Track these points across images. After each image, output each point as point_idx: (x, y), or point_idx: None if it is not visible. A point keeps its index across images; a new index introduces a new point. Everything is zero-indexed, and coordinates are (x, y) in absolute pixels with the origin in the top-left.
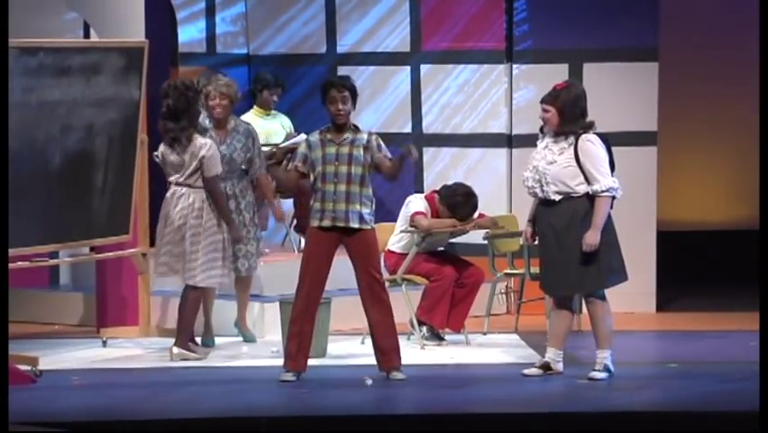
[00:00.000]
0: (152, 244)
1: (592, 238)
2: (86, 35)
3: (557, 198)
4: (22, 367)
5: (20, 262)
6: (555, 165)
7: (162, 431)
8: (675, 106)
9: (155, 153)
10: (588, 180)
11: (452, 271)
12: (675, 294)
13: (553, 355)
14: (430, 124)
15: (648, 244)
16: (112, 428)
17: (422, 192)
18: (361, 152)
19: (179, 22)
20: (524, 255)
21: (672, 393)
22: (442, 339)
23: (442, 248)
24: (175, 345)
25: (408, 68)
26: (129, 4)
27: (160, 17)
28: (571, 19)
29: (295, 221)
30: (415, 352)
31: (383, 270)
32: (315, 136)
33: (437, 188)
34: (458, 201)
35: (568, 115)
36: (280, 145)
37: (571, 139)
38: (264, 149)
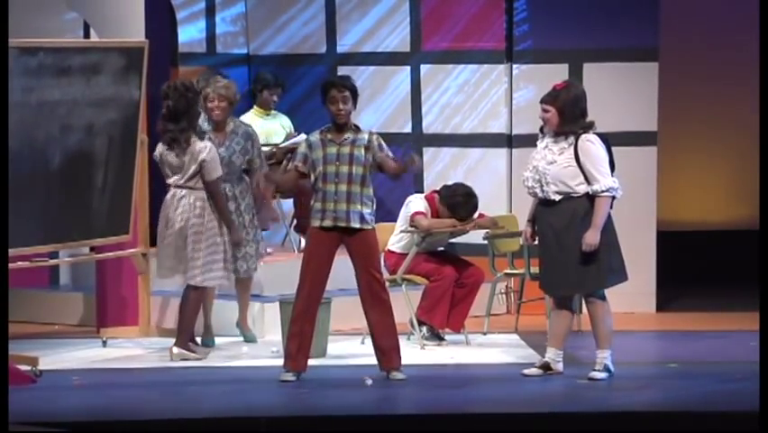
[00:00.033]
0: (153, 243)
1: (592, 238)
2: (86, 35)
3: (557, 197)
4: (22, 367)
5: (20, 262)
6: (555, 165)
7: (162, 431)
8: (675, 106)
9: (155, 154)
10: (588, 180)
11: (452, 271)
12: (675, 294)
13: (553, 355)
14: (430, 124)
15: (648, 244)
16: (112, 428)
17: (422, 192)
18: (362, 152)
19: (179, 22)
20: (524, 255)
21: (672, 393)
22: (442, 339)
23: (442, 248)
24: (175, 345)
25: (408, 68)
26: (129, 4)
27: (160, 17)
28: (571, 19)
29: (295, 221)
30: (415, 352)
31: (383, 270)
32: (315, 136)
33: (437, 189)
34: (458, 201)
35: (568, 115)
36: (280, 145)
37: (571, 139)
38: (264, 149)
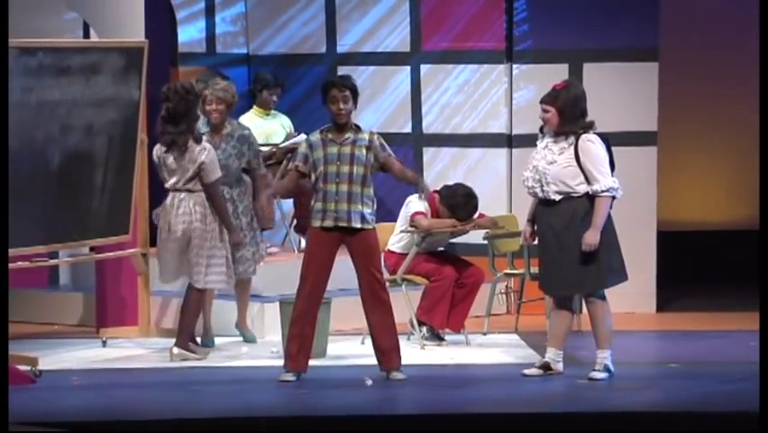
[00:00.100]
0: (152, 244)
1: (592, 238)
2: (86, 35)
3: (557, 197)
4: (22, 367)
5: (20, 262)
6: (555, 165)
7: (162, 431)
8: (675, 106)
9: (153, 156)
10: (588, 180)
11: (452, 272)
12: (675, 294)
13: (553, 355)
14: (430, 124)
15: (648, 244)
16: (112, 429)
17: None
18: (363, 152)
19: (179, 22)
20: (524, 255)
21: (673, 394)
22: (442, 339)
23: (442, 248)
24: (175, 345)
25: (408, 68)
26: (128, 3)
27: (160, 17)
28: (571, 19)
29: (295, 221)
30: (415, 352)
31: (383, 270)
32: (315, 136)
33: (437, 189)
34: (458, 202)
35: (568, 114)
36: (280, 145)
37: (572, 139)
38: (264, 149)
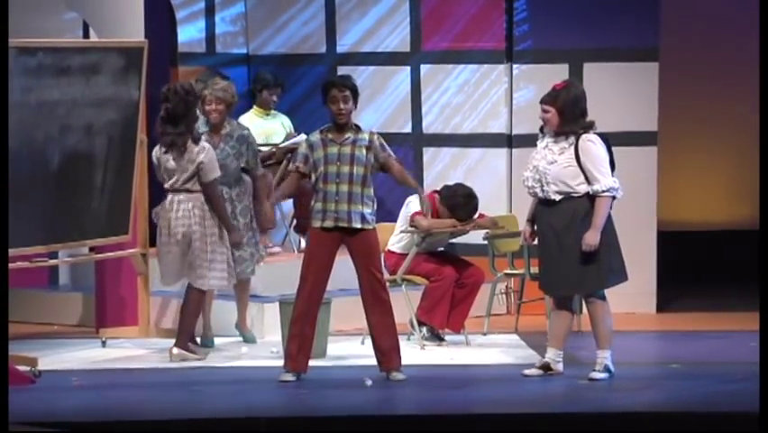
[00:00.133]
0: (152, 244)
1: (592, 238)
2: (86, 35)
3: (557, 197)
4: (22, 368)
5: (19, 263)
6: (556, 165)
7: (162, 431)
8: (675, 106)
9: (152, 157)
10: (588, 180)
11: (452, 272)
12: (675, 294)
13: (553, 356)
14: (430, 124)
15: (648, 244)
16: (111, 429)
17: None
18: (364, 153)
19: (179, 21)
20: (524, 255)
21: (673, 394)
22: (442, 340)
23: (442, 248)
24: (175, 345)
25: (408, 68)
26: (128, 3)
27: (160, 17)
28: (572, 19)
29: (295, 221)
30: (415, 352)
31: (383, 270)
32: (315, 136)
33: (438, 189)
34: (458, 202)
35: (568, 114)
36: (280, 145)
37: (572, 139)
38: (264, 149)
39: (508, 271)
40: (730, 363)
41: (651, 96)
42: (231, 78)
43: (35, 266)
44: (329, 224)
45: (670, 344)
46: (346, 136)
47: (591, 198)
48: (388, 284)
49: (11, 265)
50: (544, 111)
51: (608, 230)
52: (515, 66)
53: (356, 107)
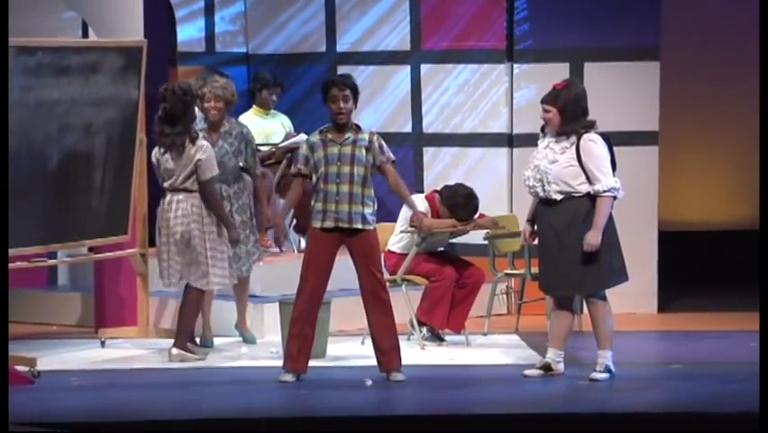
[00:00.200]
0: (151, 244)
1: (593, 238)
2: (85, 34)
3: (558, 197)
4: (21, 368)
5: (18, 263)
6: (557, 164)
7: (161, 432)
8: (676, 106)
9: (152, 158)
10: (589, 180)
11: (452, 272)
12: (676, 294)
13: (553, 356)
14: (430, 124)
15: (649, 244)
16: (111, 429)
17: (422, 192)
18: (364, 153)
19: (178, 21)
20: (524, 256)
21: (674, 394)
22: (442, 340)
23: (442, 248)
24: (174, 345)
25: (408, 67)
26: (127, 3)
27: (159, 16)
28: (572, 18)
29: (295, 221)
30: (415, 352)
31: (383, 270)
32: (315, 137)
33: (438, 189)
34: (458, 202)
35: (569, 114)
36: (279, 145)
37: (573, 138)
38: (263, 148)
39: (509, 272)
40: (731, 364)
41: (652, 96)
42: (230, 77)
43: (34, 266)
44: (329, 224)
45: (670, 344)
46: (346, 136)
47: (592, 197)
48: (388, 284)
49: (10, 265)
50: (545, 111)
51: (609, 230)
52: (515, 65)
53: (356, 107)
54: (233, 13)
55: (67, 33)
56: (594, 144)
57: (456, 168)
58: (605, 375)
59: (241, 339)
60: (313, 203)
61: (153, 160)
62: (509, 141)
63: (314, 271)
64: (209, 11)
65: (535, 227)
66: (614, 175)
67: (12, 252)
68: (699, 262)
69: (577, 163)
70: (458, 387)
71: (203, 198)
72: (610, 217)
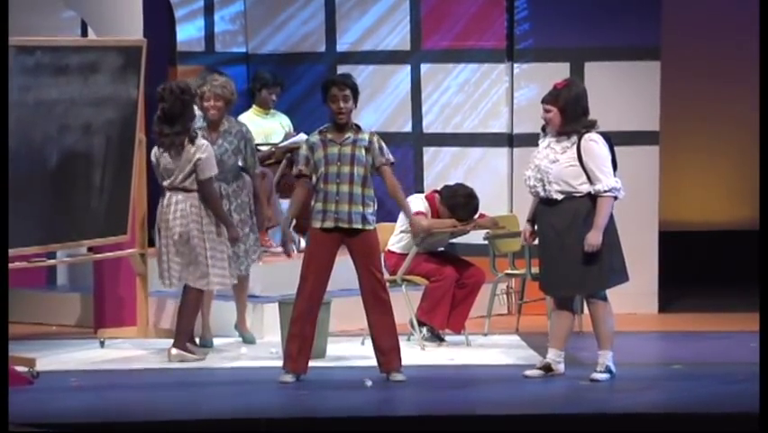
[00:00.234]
0: (151, 244)
1: (594, 239)
2: (84, 34)
3: (559, 197)
4: (20, 368)
5: (18, 263)
6: (558, 164)
7: (161, 432)
8: (677, 105)
9: (152, 158)
10: (590, 180)
11: (452, 272)
12: (677, 295)
13: (554, 356)
14: (430, 124)
15: (650, 245)
16: (110, 430)
17: (422, 192)
18: (363, 153)
19: (178, 20)
20: (525, 256)
21: (674, 395)
22: (442, 340)
23: (442, 248)
24: (173, 346)
25: (408, 66)
26: (127, 2)
27: (159, 16)
28: (573, 17)
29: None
30: (415, 353)
31: (383, 270)
32: (315, 137)
33: (438, 188)
34: (458, 202)
35: (570, 114)
36: (279, 145)
37: (574, 138)
38: (263, 148)
39: (509, 272)
40: (732, 364)
41: (652, 96)
42: (230, 77)
43: (33, 266)
44: (329, 224)
45: (671, 344)
46: (346, 136)
47: (593, 197)
48: (388, 284)
49: (9, 265)
50: (546, 111)
51: (610, 230)
52: (515, 65)
53: (356, 106)
54: (233, 13)
55: (66, 33)
56: (595, 144)
57: (456, 168)
58: (605, 376)
59: (240, 339)
60: (313, 203)
61: (152, 159)
62: (510, 141)
63: (314, 272)
64: (209, 10)
65: (536, 227)
66: (615, 175)
67: (11, 252)
68: (700, 262)
69: (578, 163)
70: (458, 387)
71: (202, 197)
72: (611, 217)
